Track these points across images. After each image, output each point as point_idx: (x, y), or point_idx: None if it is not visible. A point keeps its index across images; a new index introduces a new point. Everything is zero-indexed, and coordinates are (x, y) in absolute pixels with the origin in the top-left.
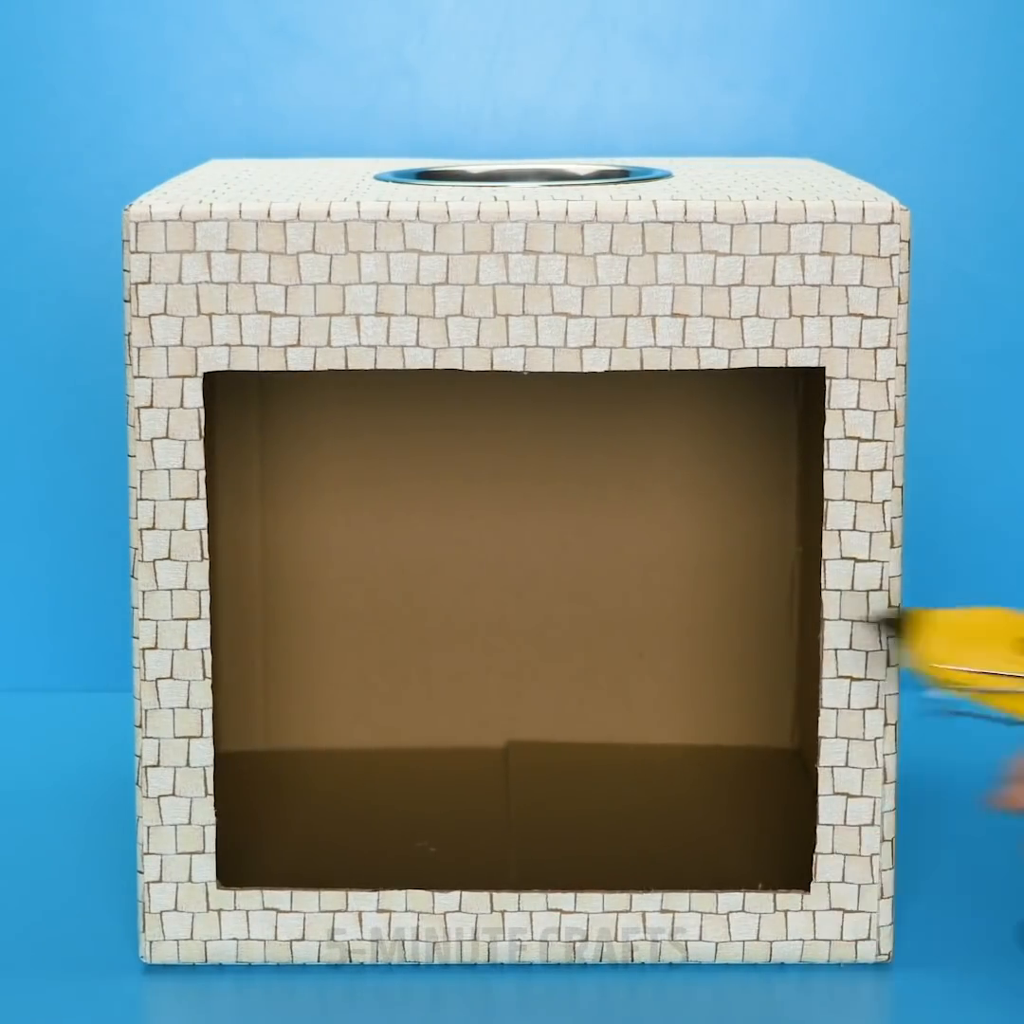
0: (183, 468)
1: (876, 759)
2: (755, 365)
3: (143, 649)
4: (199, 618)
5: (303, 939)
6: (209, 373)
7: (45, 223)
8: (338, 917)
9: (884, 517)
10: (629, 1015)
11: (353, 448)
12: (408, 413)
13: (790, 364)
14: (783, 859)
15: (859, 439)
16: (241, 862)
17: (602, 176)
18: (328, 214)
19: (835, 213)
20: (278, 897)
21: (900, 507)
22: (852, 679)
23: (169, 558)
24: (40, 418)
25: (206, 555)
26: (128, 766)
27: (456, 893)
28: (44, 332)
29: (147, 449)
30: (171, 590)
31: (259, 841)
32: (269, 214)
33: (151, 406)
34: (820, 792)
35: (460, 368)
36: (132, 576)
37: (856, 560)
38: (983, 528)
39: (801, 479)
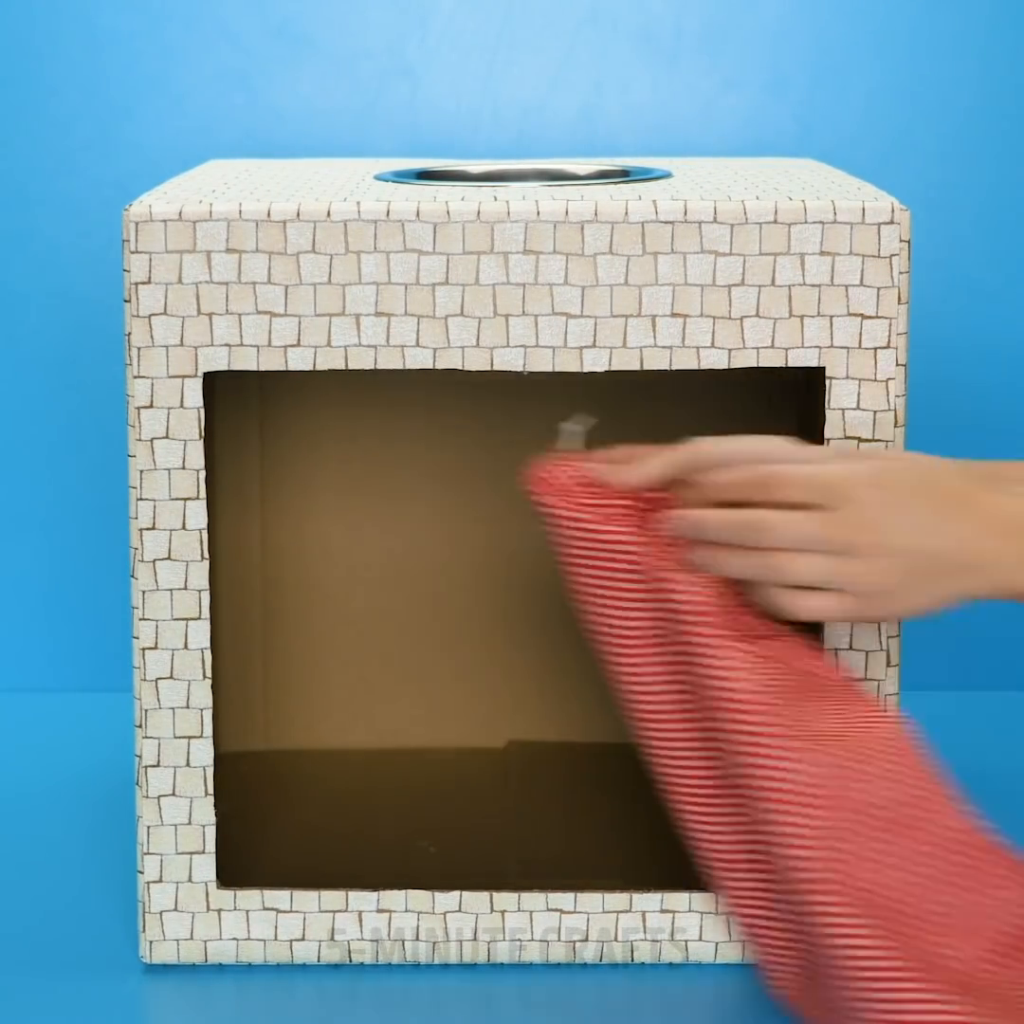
0: (183, 468)
1: None
2: (755, 365)
3: (143, 649)
4: (199, 618)
5: (303, 939)
6: (209, 373)
7: (45, 223)
8: (338, 917)
9: None
10: (629, 1015)
11: (353, 448)
12: (408, 413)
13: (790, 364)
14: None
15: (859, 439)
16: (241, 862)
17: (602, 176)
18: (328, 214)
19: (835, 213)
20: (278, 897)
21: None
22: None
23: (169, 558)
24: (40, 418)
25: (206, 555)
26: (128, 766)
27: (456, 893)
28: (44, 332)
29: (147, 449)
30: (171, 590)
31: (259, 841)
32: (269, 214)
33: (151, 406)
34: None
35: (460, 368)
36: (132, 576)
37: None
38: None
39: None
